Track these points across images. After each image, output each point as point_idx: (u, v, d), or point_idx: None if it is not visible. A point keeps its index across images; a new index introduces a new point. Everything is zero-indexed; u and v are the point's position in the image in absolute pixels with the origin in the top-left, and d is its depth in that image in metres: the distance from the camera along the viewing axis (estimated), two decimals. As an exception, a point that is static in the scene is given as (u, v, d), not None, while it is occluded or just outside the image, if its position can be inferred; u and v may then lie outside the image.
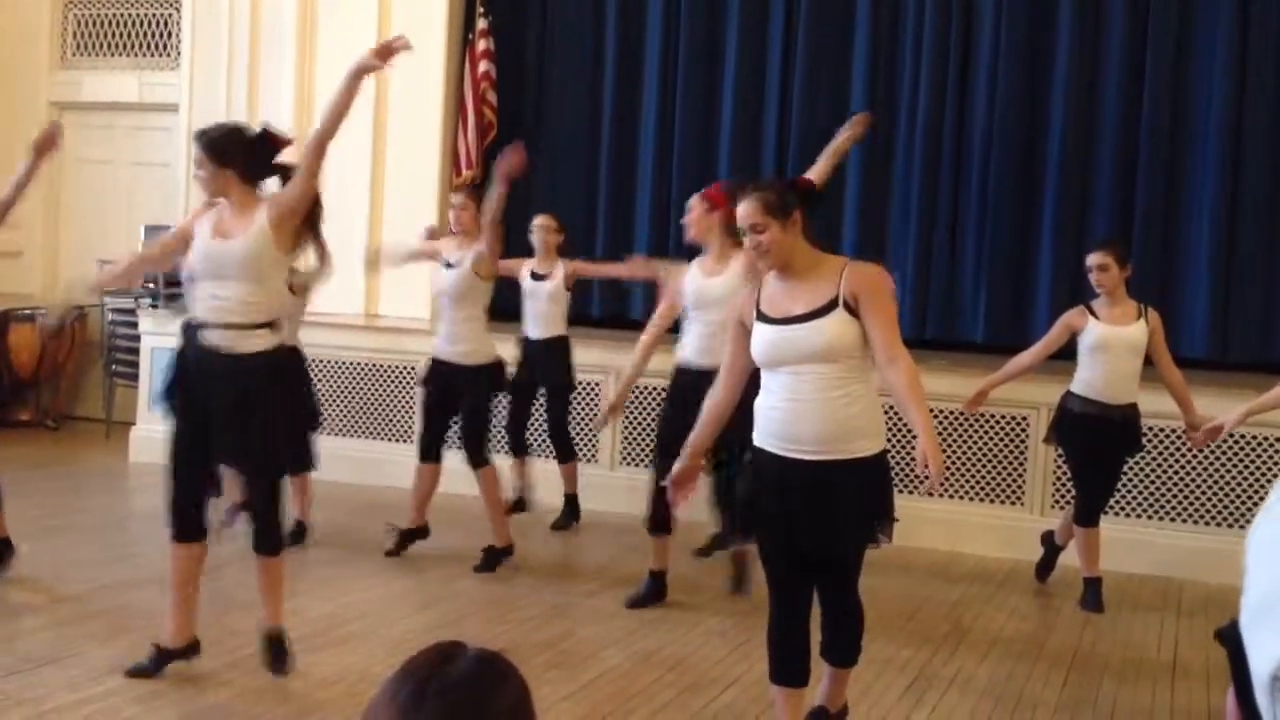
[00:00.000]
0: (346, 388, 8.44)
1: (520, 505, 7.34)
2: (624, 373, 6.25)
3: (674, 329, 5.98)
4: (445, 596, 5.89)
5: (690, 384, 5.33)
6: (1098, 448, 6.13)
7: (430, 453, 6.45)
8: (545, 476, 7.53)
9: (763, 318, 3.81)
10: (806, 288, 3.76)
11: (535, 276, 7.28)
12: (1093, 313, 6.13)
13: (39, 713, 4.18)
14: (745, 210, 3.80)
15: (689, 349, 5.73)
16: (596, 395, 7.93)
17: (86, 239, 10.19)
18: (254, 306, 4.46)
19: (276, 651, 4.63)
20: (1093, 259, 6.16)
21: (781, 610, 3.90)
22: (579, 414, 7.96)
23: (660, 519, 5.73)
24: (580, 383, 7.82)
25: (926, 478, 3.53)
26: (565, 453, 7.44)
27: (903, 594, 6.25)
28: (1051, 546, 6.54)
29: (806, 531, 3.76)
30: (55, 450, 9.07)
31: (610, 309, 8.89)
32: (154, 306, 8.91)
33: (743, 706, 4.61)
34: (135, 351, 9.04)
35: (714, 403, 4.02)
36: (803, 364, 3.71)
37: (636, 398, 7.87)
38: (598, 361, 7.87)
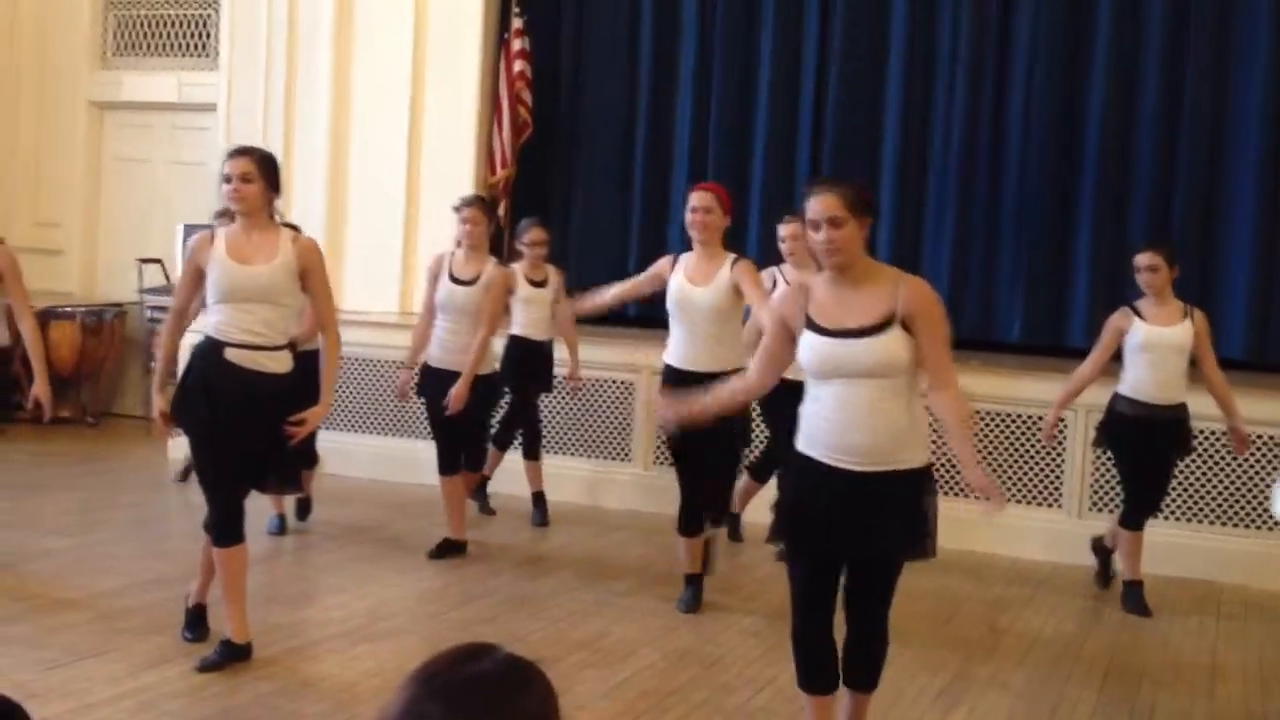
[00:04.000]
0: (383, 386, 8.47)
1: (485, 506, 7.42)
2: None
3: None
4: (482, 594, 5.91)
5: (675, 382, 5.43)
6: (1147, 450, 6.05)
7: (455, 464, 6.44)
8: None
9: (814, 326, 3.71)
10: (861, 297, 3.67)
11: (533, 283, 7.29)
12: (1137, 313, 6.05)
13: (82, 705, 4.22)
14: (826, 202, 3.63)
15: (670, 352, 5.65)
16: (631, 394, 7.93)
17: (125, 238, 10.29)
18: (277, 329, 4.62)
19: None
20: (1142, 259, 6.06)
21: (807, 618, 3.85)
22: (615, 412, 7.97)
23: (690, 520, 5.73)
24: (614, 382, 7.84)
25: (987, 502, 3.68)
26: (537, 450, 7.46)
27: (939, 595, 6.22)
28: (1103, 551, 6.47)
29: (847, 540, 3.72)
30: (95, 447, 9.15)
31: (644, 308, 8.90)
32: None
33: (777, 707, 4.60)
34: (173, 349, 9.10)
35: (745, 384, 4.06)
36: (856, 377, 3.65)
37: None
38: (630, 360, 7.87)
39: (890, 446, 3.65)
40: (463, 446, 6.47)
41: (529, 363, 7.26)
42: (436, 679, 1.40)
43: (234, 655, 4.68)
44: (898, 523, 3.69)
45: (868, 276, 3.70)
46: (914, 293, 3.66)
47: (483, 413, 6.53)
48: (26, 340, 5.55)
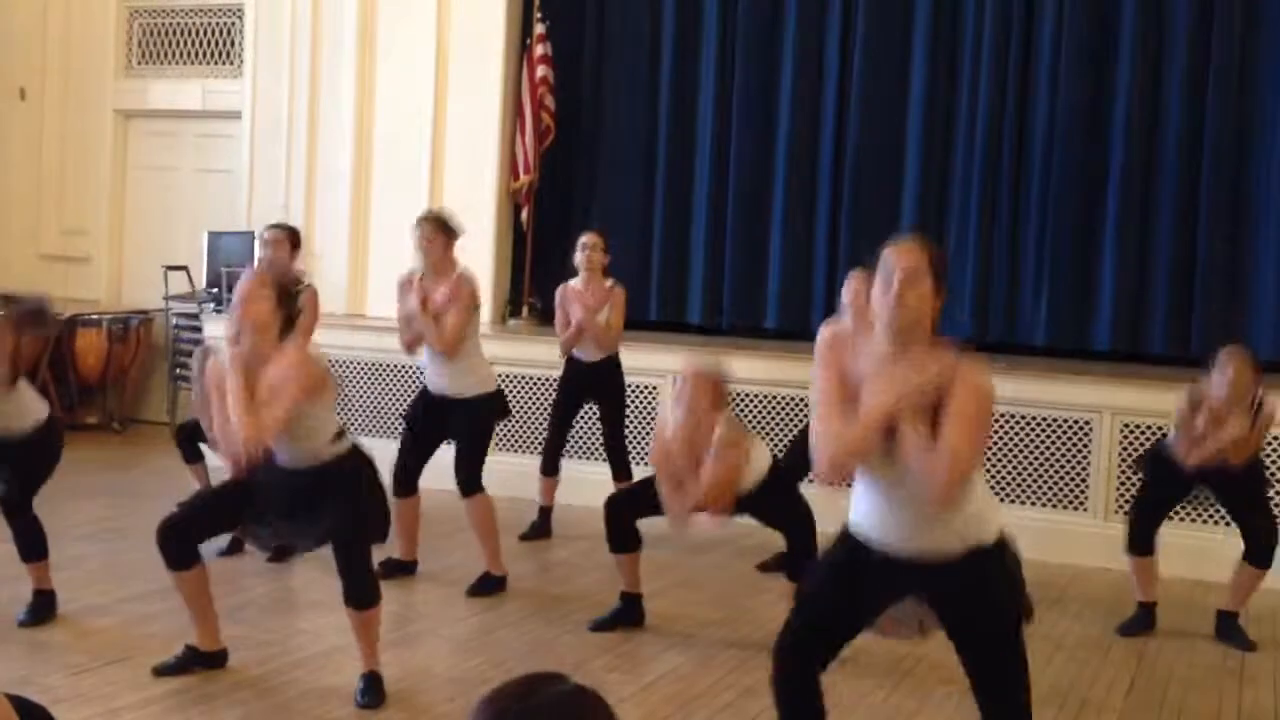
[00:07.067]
0: (402, 391, 8.48)
1: (545, 527, 7.19)
2: None
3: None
4: (507, 597, 5.91)
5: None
6: (1180, 494, 5.85)
7: (410, 486, 6.13)
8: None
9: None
10: (905, 380, 3.09)
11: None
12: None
13: (108, 710, 4.25)
14: (906, 252, 3.11)
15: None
16: (654, 398, 7.92)
17: (151, 245, 10.34)
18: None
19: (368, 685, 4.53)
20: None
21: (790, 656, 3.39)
22: (637, 417, 7.95)
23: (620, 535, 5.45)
24: (636, 386, 7.83)
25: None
26: (621, 468, 7.17)
27: (964, 599, 6.18)
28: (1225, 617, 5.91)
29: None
30: (120, 452, 9.19)
31: (668, 312, 8.92)
32: (217, 311, 9.01)
33: (803, 710, 4.58)
34: (198, 355, 9.15)
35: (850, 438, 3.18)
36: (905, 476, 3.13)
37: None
38: (653, 365, 7.85)
39: (957, 541, 3.17)
40: (423, 466, 6.15)
41: (586, 385, 7.03)
42: (506, 708, 1.47)
43: (195, 661, 4.69)
44: (978, 600, 3.21)
45: (923, 356, 3.12)
46: (960, 376, 3.08)
47: (481, 432, 6.08)
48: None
